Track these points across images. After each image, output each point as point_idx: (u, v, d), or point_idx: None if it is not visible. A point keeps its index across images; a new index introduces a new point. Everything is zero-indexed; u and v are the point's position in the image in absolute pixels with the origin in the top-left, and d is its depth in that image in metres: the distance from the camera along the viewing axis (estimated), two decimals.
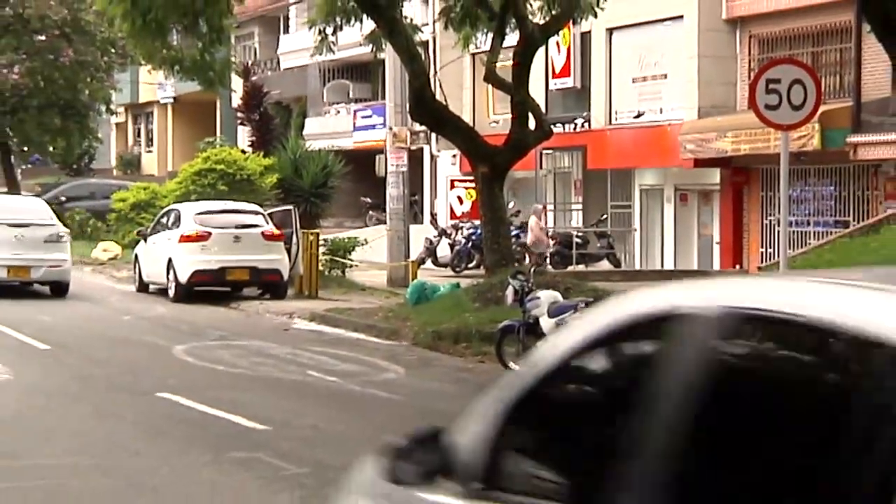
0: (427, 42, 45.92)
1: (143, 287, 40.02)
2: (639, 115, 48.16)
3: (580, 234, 46.68)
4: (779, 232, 28.65)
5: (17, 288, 38.06)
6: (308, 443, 18.43)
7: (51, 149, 70.18)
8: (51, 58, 62.89)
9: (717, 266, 43.97)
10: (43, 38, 62.55)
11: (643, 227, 48.95)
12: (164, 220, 40.07)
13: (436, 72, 38.43)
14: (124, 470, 16.99)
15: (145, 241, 40.55)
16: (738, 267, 42.38)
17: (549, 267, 39.11)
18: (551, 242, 44.96)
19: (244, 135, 64.99)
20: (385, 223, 43.71)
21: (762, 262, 39.27)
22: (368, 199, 57.08)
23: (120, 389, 23.36)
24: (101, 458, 17.76)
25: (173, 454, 17.97)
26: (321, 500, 15.10)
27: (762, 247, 43.68)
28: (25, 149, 70.12)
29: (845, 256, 30.46)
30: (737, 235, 45.17)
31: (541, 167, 47.04)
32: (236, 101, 65.47)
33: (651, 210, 49.03)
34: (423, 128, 41.92)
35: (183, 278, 37.45)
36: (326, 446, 18.34)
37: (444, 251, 46.04)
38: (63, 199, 60.95)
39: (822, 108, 24.36)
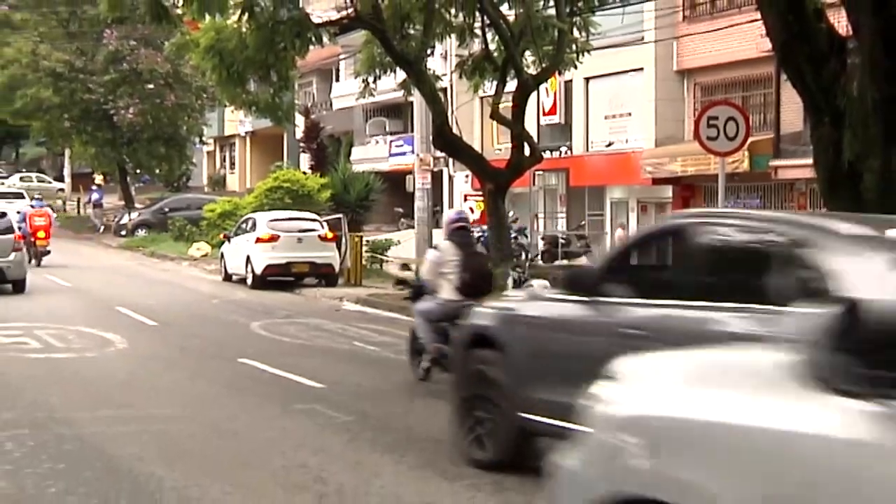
0: (446, 88, 46.01)
1: (227, 277, 40.16)
2: (609, 145, 48.21)
3: (564, 236, 46.67)
4: None
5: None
6: (354, 397, 18.62)
7: (157, 171, 70.34)
8: (157, 101, 63.02)
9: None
10: (152, 86, 62.66)
11: (613, 231, 48.99)
12: (243, 225, 40.20)
13: (453, 111, 38.52)
14: (213, 419, 17.19)
15: (229, 241, 40.73)
16: None
17: (540, 261, 39.11)
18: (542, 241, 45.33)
19: (305, 160, 65.00)
20: (413, 227, 43.72)
21: None
22: (400, 210, 57.04)
23: (210, 356, 23.57)
24: (195, 409, 17.99)
25: (251, 406, 18.18)
26: (364, 440, 15.33)
27: None
28: (138, 171, 70.26)
29: None
30: None
31: (534, 184, 47.07)
32: (299, 133, 65.42)
33: (619, 217, 49.04)
34: (443, 154, 42.01)
35: (258, 270, 37.69)
36: (368, 400, 18.54)
37: None
38: (166, 209, 61.11)
39: (750, 139, 24.48)
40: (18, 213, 43.61)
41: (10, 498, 12.35)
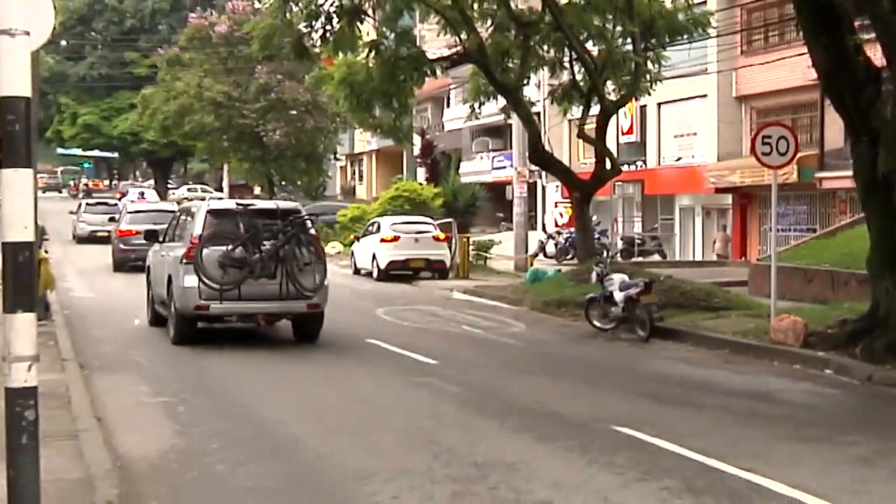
0: (539, 112, 45.93)
1: (356, 271, 40.25)
2: (678, 159, 47.92)
3: (640, 237, 46.44)
4: (770, 236, 28.40)
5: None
6: (462, 372, 18.61)
7: (299, 182, 70.73)
8: (299, 125, 63.42)
9: (728, 257, 43.62)
10: (294, 112, 63.06)
11: (681, 233, 48.70)
12: (370, 228, 40.29)
13: (545, 131, 38.44)
14: (345, 388, 17.26)
15: (358, 241, 40.85)
16: (743, 259, 42.02)
17: (619, 258, 38.97)
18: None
19: (421, 173, 65.14)
20: (512, 230, 43.66)
21: (759, 255, 38.90)
22: (501, 214, 57.06)
23: (343, 336, 23.57)
24: (330, 380, 18.10)
25: (376, 378, 18.21)
26: (471, 408, 15.32)
27: (759, 245, 43.37)
28: (283, 182, 70.75)
29: (813, 252, 30.19)
30: (742, 238, 44.85)
31: (614, 193, 46.78)
32: (416, 151, 65.62)
33: (686, 221, 48.76)
34: (537, 168, 41.94)
35: (382, 265, 37.77)
36: (474, 374, 18.53)
37: (550, 248, 45.96)
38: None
39: (798, 155, 24.18)
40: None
41: (183, 452, 12.50)
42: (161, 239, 24.61)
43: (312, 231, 22.64)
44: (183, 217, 23.99)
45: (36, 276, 6.62)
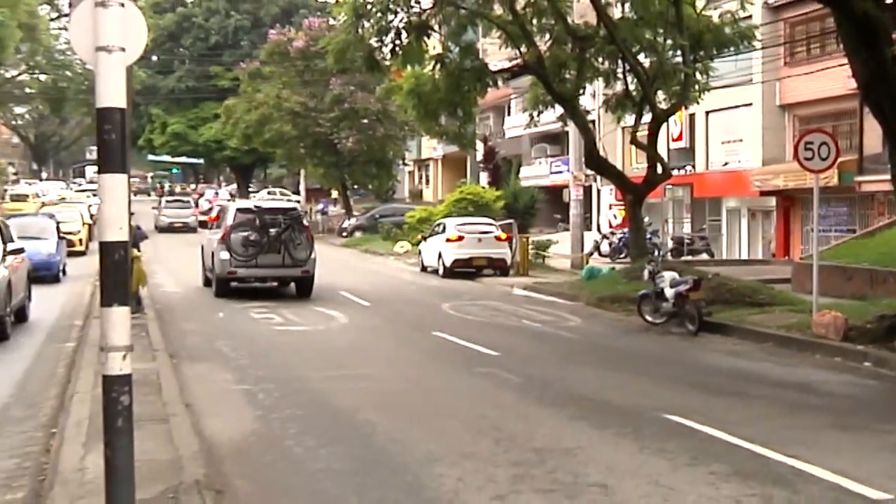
0: (594, 120, 45.76)
1: (423, 269, 40.30)
2: (725, 164, 47.61)
3: (689, 237, 46.14)
4: (812, 236, 28.20)
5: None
6: (522, 363, 18.60)
7: (370, 186, 70.88)
8: (370, 133, 63.45)
9: (772, 256, 43.33)
10: (366, 121, 63.11)
11: (728, 233, 48.40)
12: (437, 228, 40.31)
13: (600, 138, 38.36)
14: (413, 378, 17.31)
15: (425, 241, 40.89)
16: (787, 258, 41.69)
17: (669, 257, 38.75)
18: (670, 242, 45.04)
19: (484, 177, 65.08)
20: (568, 230, 43.56)
21: (801, 255, 38.62)
22: (558, 216, 56.84)
23: (411, 329, 23.69)
24: (400, 370, 18.15)
25: (442, 369, 18.27)
26: (531, 397, 15.32)
27: (802, 245, 43.03)
28: (356, 186, 70.94)
29: (853, 251, 29.92)
30: (786, 238, 44.51)
31: (665, 196, 46.61)
32: (479, 156, 65.58)
33: (732, 222, 48.46)
34: (592, 172, 41.81)
35: (448, 263, 37.78)
36: (534, 365, 18.52)
37: (605, 248, 45.77)
38: (377, 216, 61.52)
39: (839, 160, 23.98)
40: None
41: (263, 437, 12.61)
42: (209, 227, 37.04)
43: (305, 222, 31.70)
44: (221, 212, 34.40)
45: (130, 272, 6.68)
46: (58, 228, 35.89)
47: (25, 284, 22.82)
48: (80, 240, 46.05)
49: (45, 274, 31.58)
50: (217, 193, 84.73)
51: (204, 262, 32.54)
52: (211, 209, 59.54)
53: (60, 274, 34.20)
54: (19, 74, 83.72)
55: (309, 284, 30.11)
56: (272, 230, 29.39)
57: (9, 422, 13.36)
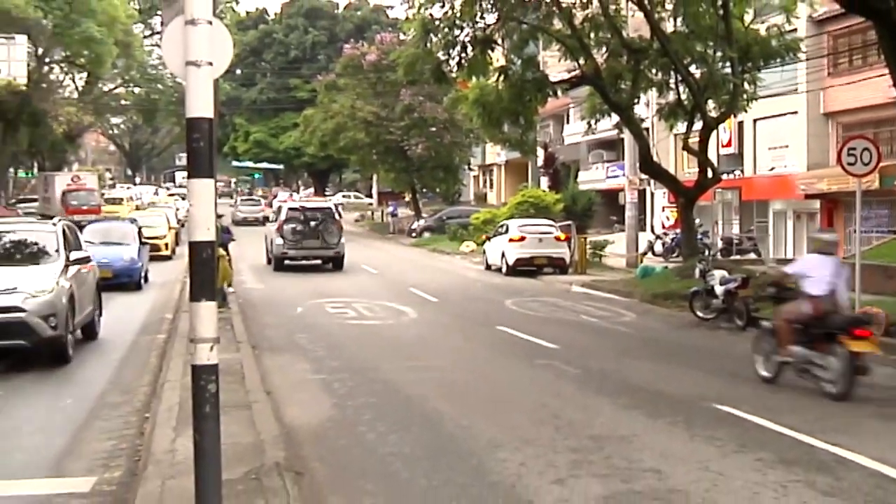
0: (648, 127, 45.41)
1: (487, 267, 40.21)
2: (772, 169, 47.11)
3: (737, 237, 45.76)
4: (854, 237, 27.87)
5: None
6: (581, 355, 18.56)
7: (437, 189, 70.95)
8: (438, 140, 63.51)
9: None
10: (434, 129, 63.17)
11: (775, 234, 47.92)
12: (500, 229, 40.22)
13: (654, 144, 38.09)
14: (479, 369, 17.33)
15: (490, 241, 40.81)
16: None
17: (719, 257, 38.44)
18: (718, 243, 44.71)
19: (544, 181, 64.91)
20: (624, 231, 43.34)
21: (844, 255, 38.18)
22: (614, 217, 56.55)
23: (476, 324, 23.69)
24: (465, 362, 18.16)
25: (506, 361, 18.24)
26: (589, 387, 15.27)
27: (844, 245, 42.52)
28: (424, 189, 71.00)
29: (894, 251, 29.61)
30: None
31: (715, 199, 46.33)
32: (539, 162, 65.42)
33: (779, 224, 47.96)
34: (646, 176, 41.57)
35: (510, 262, 37.69)
36: (591, 357, 18.47)
37: (658, 247, 45.49)
38: (444, 217, 61.48)
39: (880, 164, 23.68)
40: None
41: (338, 422, 12.67)
42: (271, 220, 46.47)
43: (336, 216, 39.27)
44: (279, 210, 41.93)
45: (216, 270, 6.74)
46: (139, 233, 32.77)
47: (94, 297, 19.44)
48: (167, 244, 42.83)
49: (125, 281, 29.36)
50: (291, 195, 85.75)
51: (266, 246, 40.66)
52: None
53: (142, 281, 30.91)
54: (116, 88, 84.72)
55: (339, 261, 38.62)
56: (312, 223, 38.11)
57: (106, 407, 13.51)
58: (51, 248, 17.49)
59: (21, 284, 15.70)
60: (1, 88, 42.88)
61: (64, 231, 18.29)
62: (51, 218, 21.55)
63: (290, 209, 39.41)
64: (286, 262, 37.80)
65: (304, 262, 38.33)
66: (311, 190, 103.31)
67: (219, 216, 31.97)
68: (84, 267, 18.35)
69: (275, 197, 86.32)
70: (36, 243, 17.91)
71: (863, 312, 18.03)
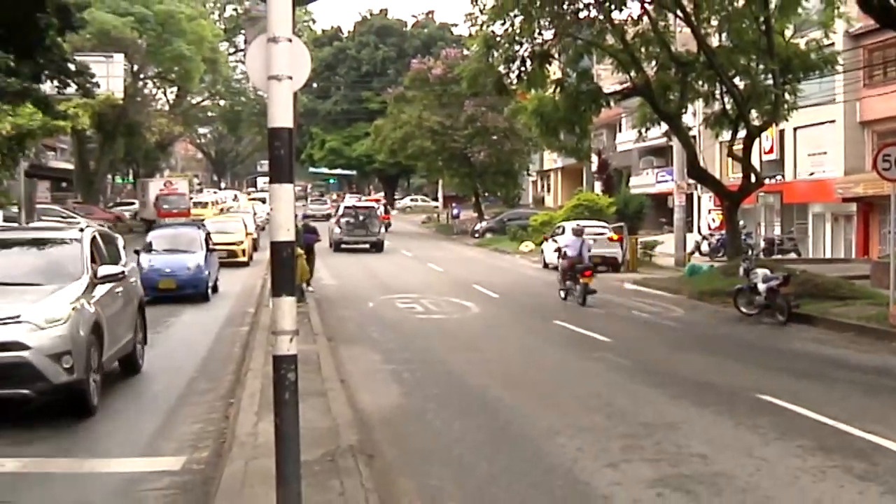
0: (695, 135, 45.05)
1: (545, 266, 40.05)
2: (811, 174, 46.61)
3: (779, 238, 45.31)
4: (889, 237, 27.51)
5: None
6: (632, 347, 18.48)
7: (498, 193, 70.84)
8: (499, 147, 63.51)
9: (853, 255, 42.37)
10: (495, 137, 63.11)
11: (814, 235, 47.39)
12: (557, 230, 40.10)
13: (700, 151, 37.79)
14: (537, 360, 17.30)
15: (547, 241, 40.73)
16: (866, 257, 40.72)
17: (762, 256, 38.09)
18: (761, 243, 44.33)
19: (598, 186, 64.65)
20: (672, 232, 43.06)
21: (879, 254, 37.66)
22: (663, 219, 56.22)
23: (535, 318, 23.66)
24: (524, 353, 18.16)
25: (561, 352, 18.20)
26: (639, 378, 15.18)
27: (879, 245, 41.97)
28: (486, 193, 70.91)
29: None
30: (865, 239, 43.46)
31: (757, 202, 45.86)
32: (594, 168, 65.22)
33: (818, 226, 47.42)
34: (694, 181, 41.28)
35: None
36: (642, 350, 18.39)
37: (704, 247, 45.17)
38: (505, 219, 61.42)
39: None
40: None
41: (406, 409, 12.71)
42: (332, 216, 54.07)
43: (380, 212, 50.45)
44: (338, 208, 51.77)
45: (295, 268, 6.78)
46: (207, 239, 28.02)
47: (133, 323, 14.41)
48: (244, 250, 38.36)
49: (191, 293, 25.31)
50: (360, 198, 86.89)
51: (329, 234, 45.84)
52: None
53: (209, 292, 26.40)
54: (203, 100, 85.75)
55: (380, 245, 48.46)
56: (360, 217, 48.69)
57: (195, 393, 13.64)
58: (71, 263, 12.77)
59: (26, 312, 11.09)
60: (100, 102, 43.34)
61: (94, 240, 13.76)
62: (151, 222, 20.83)
63: (346, 207, 50.97)
64: (342, 245, 47.24)
65: (354, 245, 47.72)
66: (382, 193, 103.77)
67: (304, 217, 32.23)
68: (118, 285, 13.63)
69: (342, 200, 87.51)
70: (53, 256, 13.26)
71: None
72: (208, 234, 29.03)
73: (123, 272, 13.76)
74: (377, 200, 71.40)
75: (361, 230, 48.11)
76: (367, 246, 47.86)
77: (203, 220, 42.60)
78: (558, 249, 28.71)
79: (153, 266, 25.31)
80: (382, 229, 49.57)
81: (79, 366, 11.19)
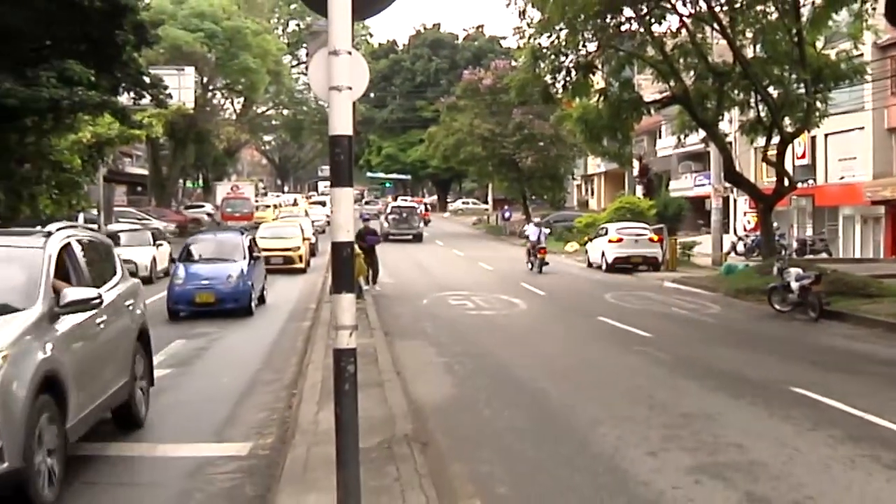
0: (731, 141, 44.68)
1: (589, 265, 39.97)
2: (842, 178, 46.08)
3: (811, 239, 44.86)
4: None
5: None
6: (671, 343, 18.37)
7: (545, 197, 70.57)
8: (546, 153, 63.32)
9: (882, 256, 41.84)
10: (542, 143, 62.89)
11: (844, 236, 46.86)
12: (600, 231, 39.94)
13: (736, 156, 37.44)
14: (581, 354, 17.25)
15: (591, 242, 40.61)
16: (894, 257, 40.23)
17: (794, 256, 37.72)
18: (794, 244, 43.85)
19: (639, 190, 64.28)
20: (709, 233, 42.74)
21: None
22: (701, 221, 55.82)
23: (579, 315, 23.57)
24: (569, 348, 18.09)
25: (604, 347, 18.14)
26: (678, 371, 15.09)
27: None
28: (533, 196, 70.71)
29: None
30: (894, 240, 42.92)
31: (790, 205, 45.47)
32: (635, 172, 64.88)
33: (847, 227, 46.88)
34: (730, 185, 40.93)
35: (609, 260, 37.42)
36: (681, 345, 18.27)
37: (740, 248, 44.82)
38: (552, 221, 61.12)
39: None
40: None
41: (458, 399, 12.74)
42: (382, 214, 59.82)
43: (420, 210, 58.33)
44: (387, 207, 57.42)
45: (354, 266, 6.80)
46: (251, 246, 24.17)
47: (128, 362, 10.11)
48: (300, 256, 34.77)
49: (231, 307, 21.49)
50: (407, 199, 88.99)
51: (379, 228, 43.92)
52: None
53: (253, 305, 22.33)
54: (267, 110, 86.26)
55: (420, 236, 56.07)
56: (404, 214, 57.21)
57: (260, 384, 13.75)
58: (21, 286, 8.13)
59: None
60: (173, 112, 43.71)
61: (66, 251, 9.10)
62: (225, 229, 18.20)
63: (393, 206, 61.33)
64: (389, 236, 50.64)
65: (399, 237, 54.03)
66: (434, 196, 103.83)
67: (366, 220, 31.82)
68: (101, 313, 9.09)
69: (394, 200, 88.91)
70: None
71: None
72: (252, 240, 25.59)
73: (100, 297, 8.74)
74: (419, 202, 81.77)
75: (405, 224, 56.53)
76: (409, 237, 55.44)
77: (258, 224, 40.15)
78: (599, 237, 36.50)
79: (189, 276, 21.95)
80: (422, 224, 59.08)
81: (12, 448, 6.79)
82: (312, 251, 39.63)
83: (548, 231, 40.84)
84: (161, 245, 32.16)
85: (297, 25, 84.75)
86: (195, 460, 9.49)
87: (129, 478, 9.08)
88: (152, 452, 9.85)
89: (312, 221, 47.88)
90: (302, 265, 34.77)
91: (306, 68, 60.54)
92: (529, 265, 37.03)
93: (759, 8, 29.88)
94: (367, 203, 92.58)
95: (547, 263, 36.49)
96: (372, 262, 27.39)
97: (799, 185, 39.74)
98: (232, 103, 79.28)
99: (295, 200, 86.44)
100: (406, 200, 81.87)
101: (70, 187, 30.52)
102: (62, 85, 21.26)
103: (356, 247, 6.74)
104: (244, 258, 22.86)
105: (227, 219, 54.35)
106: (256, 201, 68.51)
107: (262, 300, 24.08)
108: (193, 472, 9.09)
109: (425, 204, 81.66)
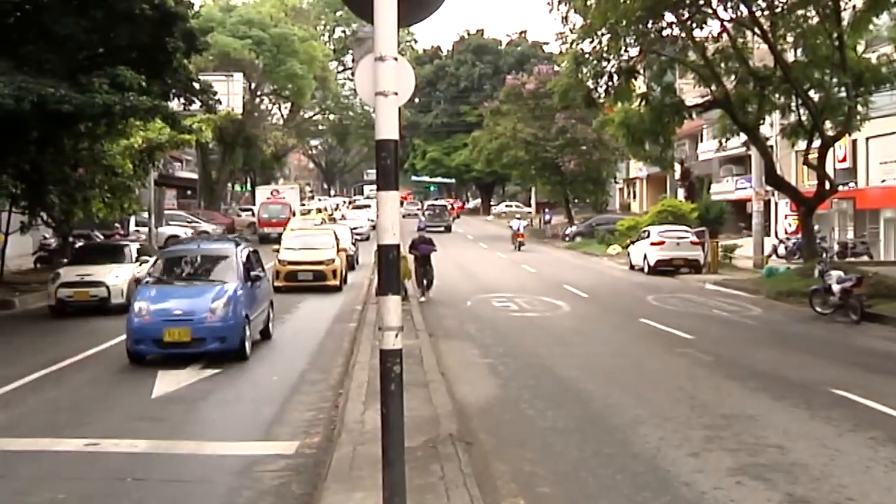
0: (772, 145, 44.31)
1: (631, 267, 39.75)
2: (883, 181, 45.58)
3: (852, 242, 44.38)
4: None
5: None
6: (713, 344, 18.25)
7: (587, 200, 70.34)
8: (588, 157, 63.06)
9: None
10: (584, 147, 62.61)
11: (885, 239, 46.31)
12: (643, 234, 39.76)
13: (777, 160, 37.15)
14: (623, 355, 17.18)
15: (633, 244, 40.43)
16: None
17: (836, 258, 37.33)
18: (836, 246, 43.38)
19: (681, 193, 63.89)
20: (751, 236, 42.39)
21: None
22: (742, 224, 55.33)
23: (621, 316, 23.47)
24: (612, 349, 18.04)
25: (647, 348, 18.06)
26: (720, 372, 14.99)
27: None
28: (576, 200, 70.53)
29: None
30: None
31: (832, 207, 44.98)
32: (677, 176, 64.50)
33: (889, 230, 46.32)
34: (771, 188, 40.63)
35: (651, 263, 37.21)
36: (723, 346, 18.14)
37: (781, 250, 44.39)
38: (594, 224, 60.81)
39: None
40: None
41: (502, 400, 12.73)
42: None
43: (449, 208, 75.03)
44: (422, 205, 74.87)
45: (399, 268, 6.82)
46: (250, 264, 17.20)
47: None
48: (334, 271, 28.81)
49: (214, 348, 15.11)
50: (440, 199, 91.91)
51: (417, 222, 44.90)
52: None
53: (247, 345, 15.83)
54: (314, 115, 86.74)
55: (449, 228, 67.39)
56: (437, 210, 70.02)
57: (307, 384, 13.83)
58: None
59: None
60: (221, 117, 44.08)
61: (249, 254, 11.47)
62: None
63: (428, 205, 76.75)
64: (427, 229, 45.56)
65: (433, 229, 54.20)
66: (479, 200, 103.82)
67: (420, 229, 31.57)
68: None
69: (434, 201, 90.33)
70: None
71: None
72: (252, 252, 18.23)
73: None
74: (449, 201, 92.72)
75: (438, 219, 68.00)
76: (441, 229, 64.48)
77: (280, 233, 34.66)
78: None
79: (157, 305, 15.44)
80: (451, 219, 72.86)
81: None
82: (350, 264, 34.43)
83: (526, 223, 59.67)
84: None
85: (343, 32, 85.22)
86: (244, 458, 9.58)
87: (179, 475, 9.17)
88: (202, 450, 9.95)
89: (352, 229, 42.11)
90: (336, 282, 28.78)
91: (352, 74, 60.86)
92: (513, 247, 51.64)
93: (799, 12, 29.71)
94: (408, 204, 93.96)
95: (523, 244, 52.33)
96: (426, 272, 26.85)
97: (840, 188, 39.37)
98: (279, 108, 79.84)
99: (338, 206, 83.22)
100: (438, 200, 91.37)
101: (122, 191, 30.95)
102: (114, 91, 21.54)
103: (401, 249, 6.74)
104: (237, 279, 16.28)
105: (264, 225, 53.09)
106: (303, 204, 68.49)
107: (265, 334, 17.96)
108: (242, 470, 9.17)
109: (453, 203, 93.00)
